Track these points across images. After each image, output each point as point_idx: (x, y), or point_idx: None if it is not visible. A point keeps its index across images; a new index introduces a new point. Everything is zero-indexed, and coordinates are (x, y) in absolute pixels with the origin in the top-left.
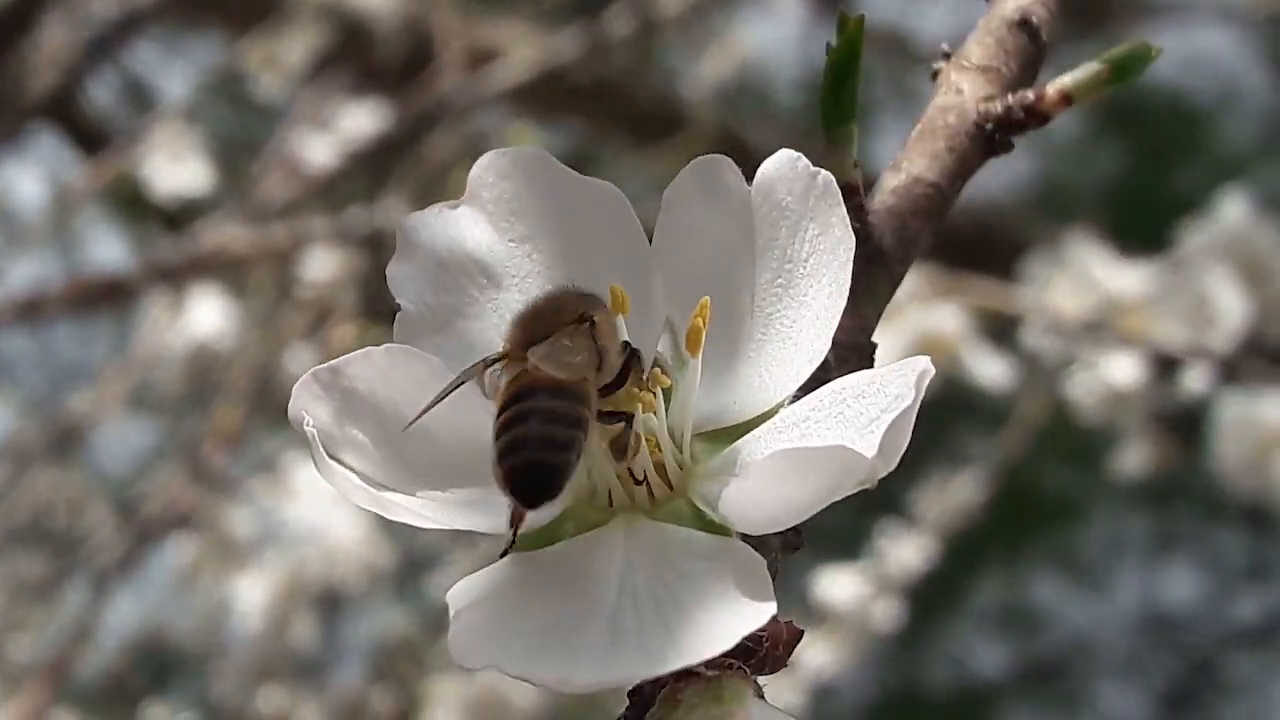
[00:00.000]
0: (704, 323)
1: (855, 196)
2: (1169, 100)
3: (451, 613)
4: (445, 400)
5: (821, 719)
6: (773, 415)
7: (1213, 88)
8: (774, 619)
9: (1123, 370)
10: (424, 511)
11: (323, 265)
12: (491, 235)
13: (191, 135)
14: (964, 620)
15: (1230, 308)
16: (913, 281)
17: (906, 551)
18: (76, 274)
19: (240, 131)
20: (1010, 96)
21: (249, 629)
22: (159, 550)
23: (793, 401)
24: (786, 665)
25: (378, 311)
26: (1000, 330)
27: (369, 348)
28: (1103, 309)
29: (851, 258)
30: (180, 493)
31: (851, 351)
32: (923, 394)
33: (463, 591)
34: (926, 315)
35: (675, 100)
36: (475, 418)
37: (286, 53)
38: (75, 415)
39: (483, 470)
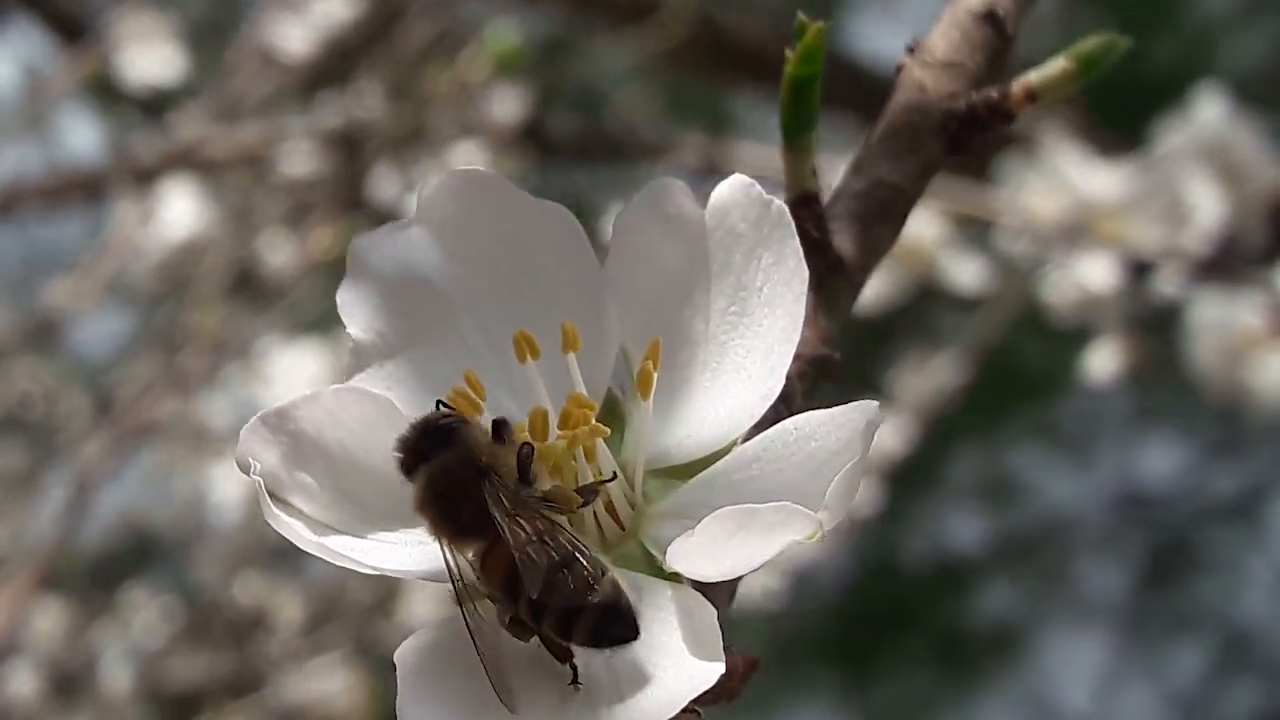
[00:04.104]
0: (655, 365)
1: (815, 205)
2: None
3: (399, 674)
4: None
5: (800, 597)
6: (726, 453)
7: None
8: (728, 651)
9: (1096, 272)
10: (369, 558)
11: (298, 160)
12: (442, 258)
13: (163, 23)
14: (942, 495)
15: (1205, 209)
16: None
17: (884, 434)
18: (51, 169)
19: (212, 14)
20: (975, 95)
21: (225, 518)
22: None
23: (745, 439)
24: (741, 695)
25: (354, 206)
26: (974, 232)
27: (318, 389)
28: (1077, 211)
29: (805, 291)
30: (157, 398)
31: (812, 365)
32: (870, 445)
33: (410, 651)
34: None
35: None
36: None
37: None
38: (52, 308)
39: None
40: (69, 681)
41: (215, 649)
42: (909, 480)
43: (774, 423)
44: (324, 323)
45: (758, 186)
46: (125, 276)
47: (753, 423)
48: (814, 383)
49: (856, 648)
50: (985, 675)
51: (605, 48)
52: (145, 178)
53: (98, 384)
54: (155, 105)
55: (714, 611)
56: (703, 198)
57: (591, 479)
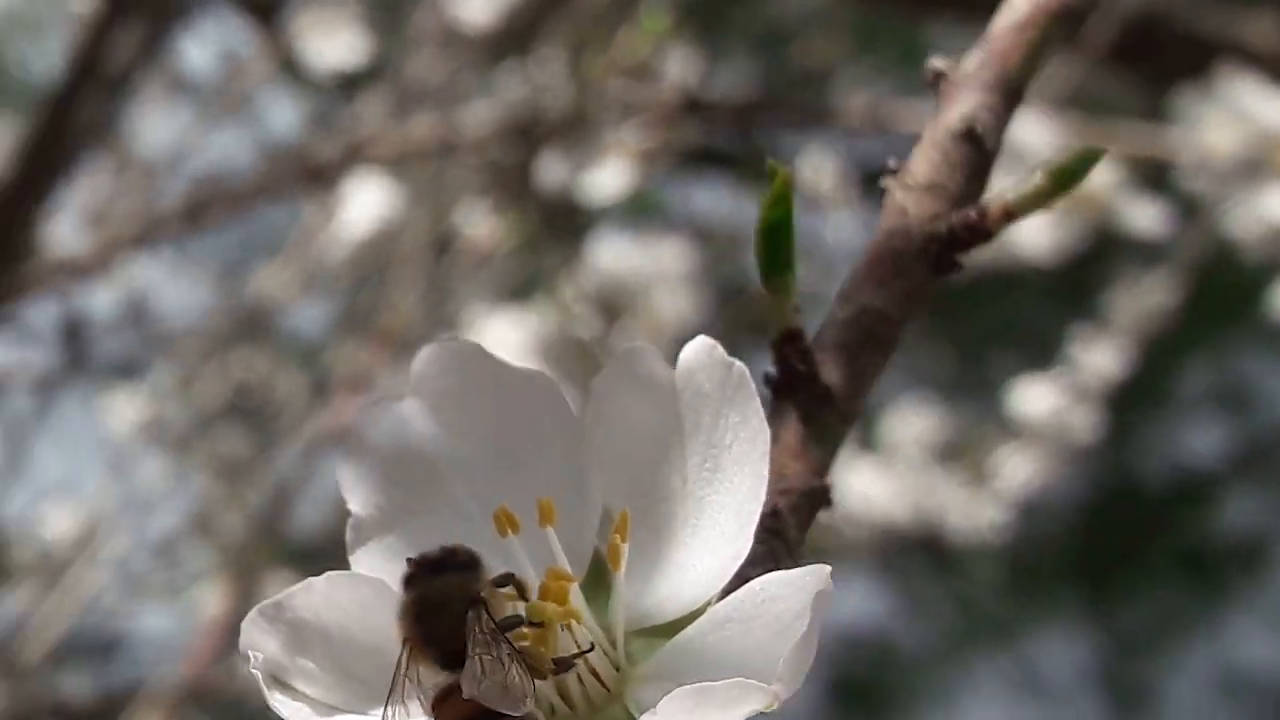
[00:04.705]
0: (623, 538)
1: (799, 341)
2: None
3: None
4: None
5: (1034, 521)
6: (702, 613)
7: None
8: None
9: None
10: None
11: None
12: (435, 429)
13: (344, 7)
14: (1175, 410)
15: None
16: (1056, 133)
17: (1101, 357)
18: (233, 180)
19: None
20: (954, 216)
21: None
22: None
23: (720, 599)
24: None
25: (524, 192)
26: (1153, 175)
27: (310, 579)
28: (1259, 143)
29: (768, 451)
30: (346, 398)
31: (804, 497)
32: (822, 616)
33: None
34: None
35: None
36: None
37: None
38: (262, 296)
39: None
40: None
41: None
42: (1138, 399)
43: (772, 566)
44: (527, 290)
45: (719, 349)
46: (322, 267)
47: (724, 582)
48: (808, 515)
49: (1099, 570)
50: (1232, 589)
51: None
52: (321, 177)
53: (313, 365)
54: (349, 84)
55: None
56: (671, 359)
57: (574, 647)
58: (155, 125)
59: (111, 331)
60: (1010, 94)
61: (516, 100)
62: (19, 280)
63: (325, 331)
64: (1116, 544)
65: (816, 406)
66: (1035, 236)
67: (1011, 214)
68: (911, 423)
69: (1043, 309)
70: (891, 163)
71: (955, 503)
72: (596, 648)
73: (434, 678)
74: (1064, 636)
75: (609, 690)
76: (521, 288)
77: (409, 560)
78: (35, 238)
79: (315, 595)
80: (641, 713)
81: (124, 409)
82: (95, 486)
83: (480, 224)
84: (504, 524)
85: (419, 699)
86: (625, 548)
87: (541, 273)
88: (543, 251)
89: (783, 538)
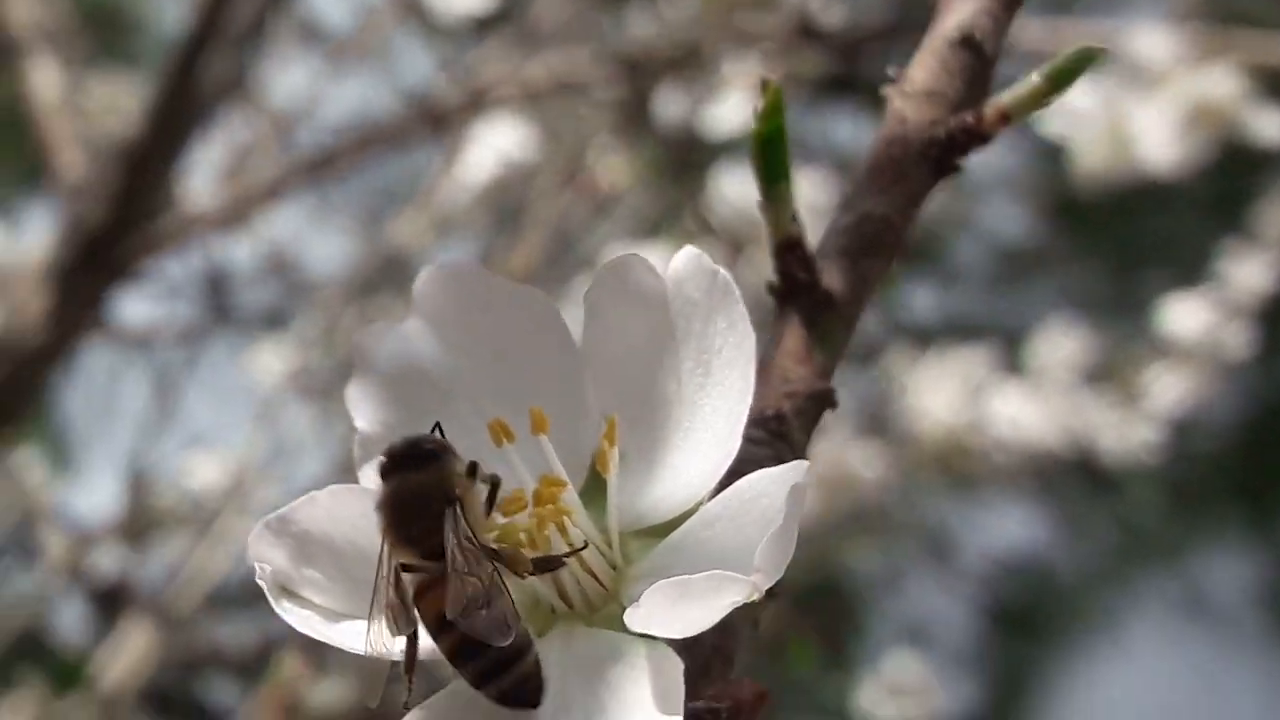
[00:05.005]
0: (611, 443)
1: (799, 248)
2: None
3: None
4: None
5: (1191, 440)
6: (695, 512)
7: None
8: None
9: None
10: (383, 641)
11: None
12: (436, 347)
13: None
14: None
15: None
16: (1179, 44)
17: (1252, 272)
18: (359, 130)
19: None
20: (951, 120)
21: None
22: None
23: (711, 498)
24: None
25: (642, 129)
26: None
27: (313, 493)
28: None
29: (754, 356)
30: None
31: (810, 400)
32: (799, 509)
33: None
34: (1196, 81)
35: None
36: None
37: None
38: (398, 243)
39: None
40: None
41: None
42: None
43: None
44: (659, 226)
45: (706, 257)
46: (455, 211)
47: (716, 481)
48: (814, 417)
49: (1259, 486)
50: None
51: None
52: (447, 122)
53: None
54: (479, 28)
55: (681, 667)
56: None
57: (565, 548)
58: (288, 76)
59: (255, 283)
60: (1009, 1)
61: (639, 37)
62: (158, 236)
63: None
64: (1276, 459)
65: (818, 312)
66: (1163, 150)
67: (1008, 116)
68: (1060, 344)
69: (1191, 225)
70: (891, 70)
71: (1107, 424)
72: (592, 548)
73: (415, 562)
74: (1226, 555)
75: (606, 589)
76: (654, 224)
77: (382, 454)
78: (172, 193)
79: (318, 509)
80: None
81: (269, 359)
82: (243, 436)
83: (610, 162)
84: (499, 434)
85: (403, 595)
86: (614, 452)
87: (669, 208)
88: (668, 187)
89: (787, 440)
